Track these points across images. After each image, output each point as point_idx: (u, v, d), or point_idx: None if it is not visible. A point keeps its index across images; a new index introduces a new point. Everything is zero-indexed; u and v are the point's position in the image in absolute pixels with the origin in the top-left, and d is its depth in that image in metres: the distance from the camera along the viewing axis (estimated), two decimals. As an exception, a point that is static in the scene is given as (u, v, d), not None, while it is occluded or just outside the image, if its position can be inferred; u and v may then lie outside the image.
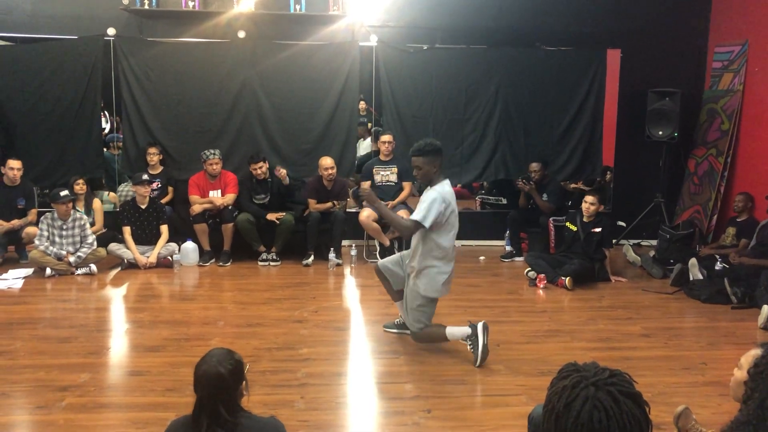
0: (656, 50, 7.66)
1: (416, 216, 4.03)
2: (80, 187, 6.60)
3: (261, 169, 6.73)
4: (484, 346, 4.05)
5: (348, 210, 7.20)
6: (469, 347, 4.12)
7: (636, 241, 7.65)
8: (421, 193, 8.86)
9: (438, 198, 4.03)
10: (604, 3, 7.57)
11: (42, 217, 6.25)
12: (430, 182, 4.16)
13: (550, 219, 6.91)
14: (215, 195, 6.80)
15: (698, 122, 7.73)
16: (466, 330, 4.14)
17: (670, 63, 7.68)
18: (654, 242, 7.28)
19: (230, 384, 2.22)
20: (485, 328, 4.11)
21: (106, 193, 7.52)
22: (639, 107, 7.50)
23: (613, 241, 6.74)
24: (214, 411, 2.18)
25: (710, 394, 3.74)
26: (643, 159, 7.74)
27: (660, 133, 7.37)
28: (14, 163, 6.45)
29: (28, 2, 7.04)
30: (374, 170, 7.02)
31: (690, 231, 6.93)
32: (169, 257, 6.53)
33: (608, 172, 7.96)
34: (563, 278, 5.90)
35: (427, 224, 3.99)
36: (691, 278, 5.98)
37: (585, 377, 1.46)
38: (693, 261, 6.05)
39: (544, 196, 7.10)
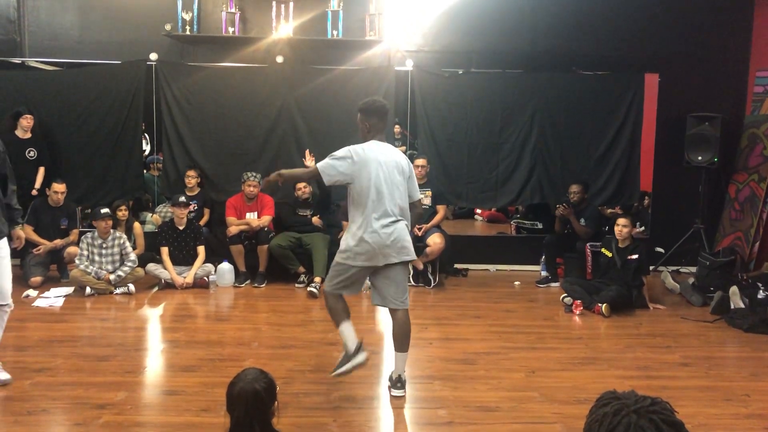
0: (695, 75, 7.58)
1: (319, 163, 3.85)
2: (123, 213, 6.75)
3: (305, 189, 6.88)
4: (351, 369, 3.86)
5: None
6: (341, 356, 3.95)
7: (675, 268, 7.50)
8: (455, 216, 8.89)
9: (342, 154, 3.82)
10: (642, 27, 7.53)
11: (82, 237, 6.40)
12: (364, 141, 3.97)
13: (587, 244, 6.82)
14: (252, 217, 6.88)
15: (739, 147, 7.60)
16: (353, 345, 3.89)
17: (710, 87, 7.59)
18: (693, 269, 7.12)
19: (266, 402, 2.25)
20: (361, 362, 3.88)
21: (149, 215, 7.68)
22: (678, 132, 7.41)
23: (651, 267, 6.63)
24: (249, 430, 2.20)
25: (754, 428, 3.63)
26: (681, 184, 7.62)
27: (699, 158, 7.26)
28: (59, 187, 6.62)
29: (75, 29, 7.30)
30: (409, 194, 7.03)
31: (731, 258, 6.76)
32: (206, 278, 6.61)
33: (646, 198, 7.85)
34: (600, 305, 5.81)
35: (319, 165, 3.81)
36: (732, 306, 5.84)
37: (626, 404, 1.44)
38: (734, 289, 5.91)
39: (582, 221, 7.03)
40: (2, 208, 3.88)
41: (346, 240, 3.90)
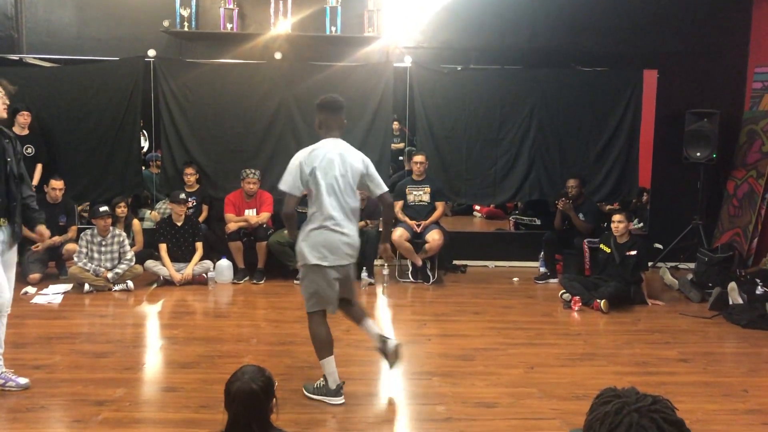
0: (694, 71, 7.58)
1: (281, 185, 3.81)
2: (122, 210, 6.74)
3: None
4: (319, 401, 3.78)
5: (381, 229, 7.20)
6: (320, 381, 3.85)
7: (673, 264, 7.51)
8: (453, 213, 8.88)
9: (291, 166, 3.81)
10: (641, 24, 7.52)
11: (81, 234, 6.39)
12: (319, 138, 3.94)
13: (585, 241, 6.82)
14: (251, 213, 6.88)
15: (737, 144, 7.60)
16: (333, 384, 3.78)
17: (709, 84, 7.58)
18: (692, 265, 7.13)
19: (263, 400, 2.25)
20: (335, 404, 3.74)
21: (148, 212, 7.68)
22: (676, 128, 7.41)
23: (650, 263, 6.63)
24: (247, 428, 2.20)
25: (752, 423, 3.64)
26: (680, 181, 7.62)
27: (698, 154, 7.26)
28: (56, 183, 6.61)
29: (73, 25, 7.29)
30: (407, 190, 7.03)
31: (729, 254, 6.77)
32: (204, 274, 6.61)
33: (645, 194, 7.86)
34: (598, 301, 5.81)
35: (282, 187, 3.78)
36: (730, 302, 5.85)
37: (627, 403, 1.43)
38: (732, 285, 5.92)
39: (581, 216, 7.03)
40: (20, 209, 3.87)
41: (301, 245, 3.80)
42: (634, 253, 6.10)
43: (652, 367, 4.52)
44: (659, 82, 7.55)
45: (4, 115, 3.87)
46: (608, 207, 7.73)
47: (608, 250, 6.24)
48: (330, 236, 3.77)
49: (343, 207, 3.81)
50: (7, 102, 3.81)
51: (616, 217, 6.18)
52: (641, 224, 7.93)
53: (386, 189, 3.99)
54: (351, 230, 3.86)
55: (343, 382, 3.82)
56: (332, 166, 3.78)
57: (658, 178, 7.73)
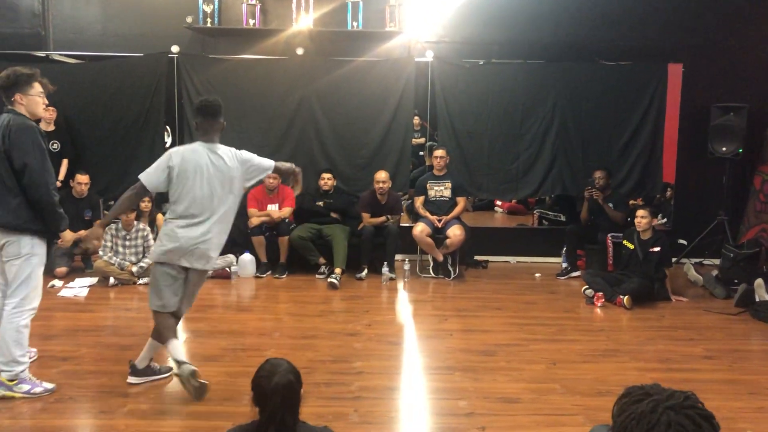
0: (720, 65, 7.47)
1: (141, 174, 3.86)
2: (146, 204, 6.81)
3: (330, 181, 6.94)
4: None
5: (402, 224, 7.22)
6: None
7: (698, 260, 7.43)
8: (474, 208, 8.89)
9: (157, 163, 3.87)
10: (666, 16, 7.43)
11: (107, 228, 6.46)
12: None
13: (609, 236, 6.77)
14: (273, 208, 6.92)
15: (765, 138, 7.48)
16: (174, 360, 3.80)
17: (735, 78, 7.47)
18: (717, 261, 7.05)
19: (298, 392, 2.27)
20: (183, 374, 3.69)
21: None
22: (702, 123, 7.32)
23: (674, 259, 6.56)
24: (282, 421, 2.22)
25: (778, 421, 3.60)
26: (705, 176, 7.53)
27: (724, 149, 7.17)
28: (82, 178, 6.71)
29: (98, 22, 7.37)
30: (427, 185, 7.02)
31: (756, 250, 6.67)
32: (227, 269, 6.66)
33: (669, 189, 7.77)
34: (621, 297, 5.77)
35: (141, 178, 3.83)
36: (756, 299, 5.77)
37: (658, 401, 1.43)
38: (759, 281, 5.84)
39: (610, 205, 6.96)
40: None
41: (161, 239, 3.85)
42: (657, 249, 6.04)
43: (676, 363, 4.48)
44: (684, 76, 7.45)
45: (45, 114, 3.85)
46: (631, 202, 7.66)
47: (631, 247, 6.18)
48: None
49: (210, 211, 3.91)
50: (46, 101, 3.84)
51: (640, 213, 6.13)
52: (665, 220, 7.85)
53: (272, 164, 4.06)
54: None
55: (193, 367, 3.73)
56: (206, 172, 3.80)
57: (682, 173, 7.64)
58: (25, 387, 3.71)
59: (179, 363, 3.70)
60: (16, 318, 3.66)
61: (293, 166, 4.22)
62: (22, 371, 3.70)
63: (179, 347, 3.81)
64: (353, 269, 6.79)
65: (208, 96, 4.07)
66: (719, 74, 7.48)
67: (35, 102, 3.74)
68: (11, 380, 3.68)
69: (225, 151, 3.90)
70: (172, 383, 4.02)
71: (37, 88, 3.75)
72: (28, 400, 3.66)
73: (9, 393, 3.67)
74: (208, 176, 3.81)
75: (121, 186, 7.33)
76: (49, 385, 3.80)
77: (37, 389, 3.74)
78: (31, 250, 3.69)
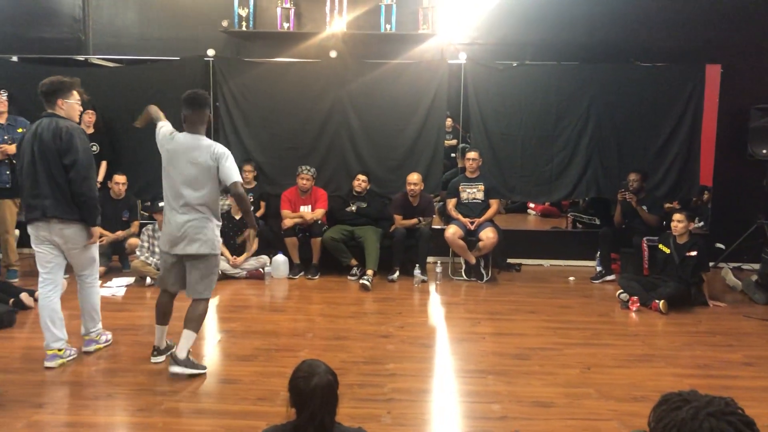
0: (759, 65, 7.32)
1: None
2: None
3: (364, 183, 6.99)
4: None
5: (434, 227, 7.22)
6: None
7: (736, 265, 7.29)
8: (507, 211, 8.85)
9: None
10: (703, 17, 7.30)
11: (143, 229, 6.59)
12: None
13: (644, 239, 6.68)
14: (305, 210, 6.97)
15: (806, 140, 7.31)
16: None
17: (776, 79, 7.31)
18: (756, 266, 6.90)
19: (337, 393, 2.29)
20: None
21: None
22: (741, 124, 7.18)
23: (711, 264, 6.45)
24: (321, 422, 2.24)
25: (821, 430, 3.51)
26: (744, 178, 7.39)
27: (764, 151, 7.03)
28: (120, 178, 6.85)
29: (136, 26, 7.52)
30: (460, 187, 7.01)
31: (797, 255, 6.54)
32: (261, 269, 6.73)
33: (706, 192, 7.63)
34: (657, 301, 5.69)
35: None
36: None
37: (698, 407, 1.42)
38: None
39: (644, 208, 6.87)
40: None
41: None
42: (694, 253, 5.94)
43: (714, 370, 4.41)
44: (723, 77, 7.31)
45: (82, 118, 4.26)
46: (667, 206, 7.55)
47: (667, 251, 6.09)
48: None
49: (188, 200, 4.13)
50: (81, 108, 4.17)
51: (677, 217, 6.03)
52: (701, 223, 7.71)
53: (236, 180, 4.06)
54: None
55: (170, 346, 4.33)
56: (182, 161, 4.10)
57: (720, 175, 7.49)
58: (104, 337, 4.59)
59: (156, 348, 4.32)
60: (94, 288, 4.48)
61: (252, 220, 4.36)
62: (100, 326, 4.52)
63: (162, 332, 4.35)
64: (385, 271, 6.81)
65: (196, 89, 4.25)
66: (759, 75, 7.33)
67: (74, 108, 4.27)
68: (98, 336, 4.50)
69: (206, 143, 4.11)
70: (207, 382, 4.08)
71: (76, 96, 4.27)
72: (69, 398, 3.78)
73: (99, 346, 4.50)
74: (185, 166, 4.07)
75: (158, 187, 7.44)
76: (109, 335, 4.63)
77: (103, 339, 4.58)
78: (87, 237, 4.27)
